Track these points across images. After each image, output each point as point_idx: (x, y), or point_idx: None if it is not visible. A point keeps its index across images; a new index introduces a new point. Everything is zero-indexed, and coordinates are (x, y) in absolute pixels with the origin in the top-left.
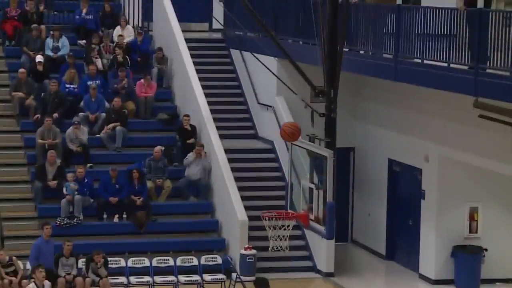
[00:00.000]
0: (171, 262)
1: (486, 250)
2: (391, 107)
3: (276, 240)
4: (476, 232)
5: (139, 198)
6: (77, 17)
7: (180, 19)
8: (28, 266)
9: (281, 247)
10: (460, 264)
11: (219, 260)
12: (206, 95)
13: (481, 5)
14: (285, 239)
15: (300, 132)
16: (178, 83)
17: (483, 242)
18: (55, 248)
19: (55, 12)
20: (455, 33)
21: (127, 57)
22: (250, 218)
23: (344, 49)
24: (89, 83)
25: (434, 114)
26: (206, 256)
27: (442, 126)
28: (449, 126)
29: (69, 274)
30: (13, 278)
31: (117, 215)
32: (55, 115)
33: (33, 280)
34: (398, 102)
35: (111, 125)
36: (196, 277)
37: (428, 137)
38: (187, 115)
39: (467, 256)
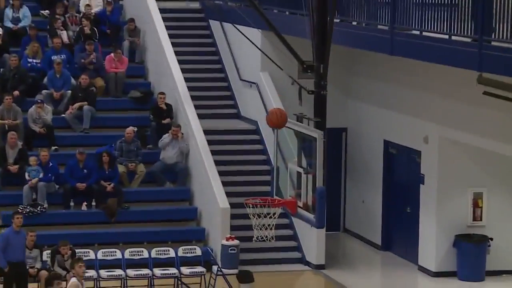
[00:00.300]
0: (146, 254)
1: (491, 239)
2: (387, 84)
3: (261, 229)
4: (481, 220)
5: (109, 184)
6: None
7: None
8: None
9: (266, 237)
10: (463, 255)
11: (198, 251)
12: (183, 70)
13: None
14: (271, 228)
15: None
16: (152, 58)
17: (488, 231)
18: None
19: None
20: (457, 2)
21: (95, 29)
22: (232, 205)
23: (335, 20)
24: (53, 57)
25: (434, 91)
26: (184, 247)
27: (442, 104)
28: (451, 104)
29: (32, 267)
30: None
31: (85, 203)
32: (16, 92)
33: (73, 274)
34: (394, 78)
35: (77, 104)
36: (173, 270)
37: (427, 117)
38: (162, 93)
39: (470, 246)
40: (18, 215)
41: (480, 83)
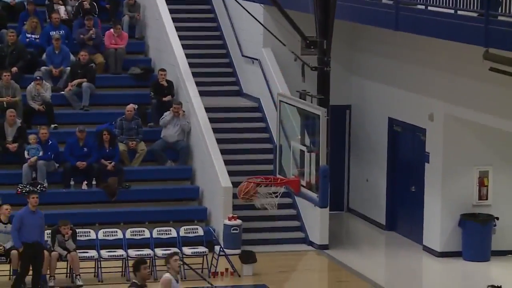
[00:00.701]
0: (147, 234)
1: (497, 218)
2: (392, 60)
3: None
4: (486, 199)
5: (110, 163)
6: None
7: None
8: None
9: (269, 204)
10: (468, 234)
11: (200, 231)
12: (184, 46)
13: None
14: (275, 203)
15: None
16: (153, 34)
17: (494, 210)
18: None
19: None
20: None
21: (95, 3)
22: (235, 184)
23: None
24: (51, 33)
25: (440, 68)
26: (185, 227)
27: (448, 81)
28: (456, 80)
29: None
30: None
31: (85, 182)
32: (14, 69)
33: (168, 269)
34: (399, 55)
35: (76, 81)
36: (175, 251)
37: (432, 94)
38: (163, 70)
39: (476, 226)
40: (33, 195)
41: (486, 59)
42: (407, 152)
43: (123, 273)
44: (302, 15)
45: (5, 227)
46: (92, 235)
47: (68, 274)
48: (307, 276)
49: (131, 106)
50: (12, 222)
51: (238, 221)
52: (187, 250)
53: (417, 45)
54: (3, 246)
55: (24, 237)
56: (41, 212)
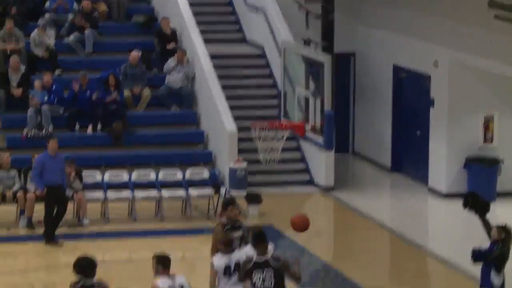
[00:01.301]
0: (153, 176)
1: (502, 161)
2: (396, 7)
3: (268, 152)
4: (491, 142)
5: (113, 100)
6: None
7: None
8: None
9: (273, 160)
10: (473, 176)
11: (206, 174)
12: None
13: None
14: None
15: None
16: None
17: (499, 153)
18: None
19: None
20: None
21: None
22: (240, 129)
23: None
24: None
25: (444, 15)
26: (191, 169)
27: (453, 28)
28: (461, 28)
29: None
30: None
31: (91, 125)
32: (14, 11)
33: None
34: (403, 1)
35: (79, 23)
36: (181, 192)
37: (437, 40)
38: (167, 18)
39: (481, 168)
40: (52, 140)
41: (491, 6)
42: (412, 98)
43: (130, 213)
44: None
45: (7, 173)
46: (98, 177)
47: (74, 214)
48: (313, 217)
49: (135, 53)
50: (15, 167)
51: (244, 164)
52: (193, 191)
53: None
54: (12, 191)
55: (47, 181)
56: (62, 155)
